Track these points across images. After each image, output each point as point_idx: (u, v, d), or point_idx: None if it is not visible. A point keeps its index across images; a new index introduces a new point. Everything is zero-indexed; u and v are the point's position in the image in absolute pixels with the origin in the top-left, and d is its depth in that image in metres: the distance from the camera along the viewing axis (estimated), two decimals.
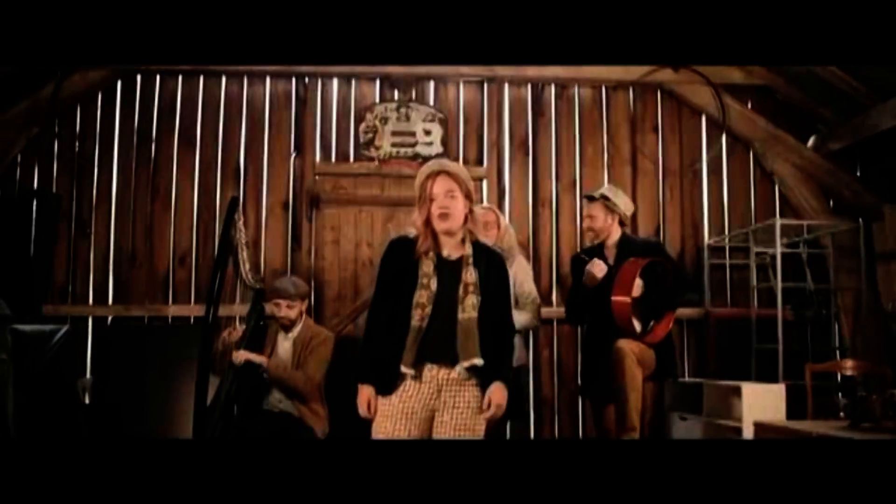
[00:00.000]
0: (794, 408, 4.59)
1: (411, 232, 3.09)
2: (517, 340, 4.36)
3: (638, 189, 5.77)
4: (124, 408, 4.73)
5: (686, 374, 5.59)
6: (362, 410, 2.90)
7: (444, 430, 2.87)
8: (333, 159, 5.64)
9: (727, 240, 5.72)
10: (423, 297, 2.87)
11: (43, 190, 5.44)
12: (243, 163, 5.60)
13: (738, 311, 5.61)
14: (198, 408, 3.89)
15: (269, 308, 4.48)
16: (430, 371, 2.88)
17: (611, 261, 4.37)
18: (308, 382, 4.22)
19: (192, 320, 5.36)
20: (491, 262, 2.99)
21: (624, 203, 4.45)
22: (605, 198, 4.43)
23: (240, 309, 4.40)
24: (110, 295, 5.45)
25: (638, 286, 4.21)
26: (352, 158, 5.64)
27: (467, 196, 2.97)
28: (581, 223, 4.83)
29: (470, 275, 2.90)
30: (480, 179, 5.69)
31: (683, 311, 5.51)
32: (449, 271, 2.92)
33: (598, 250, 4.47)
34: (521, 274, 4.42)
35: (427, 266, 2.91)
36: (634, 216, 5.69)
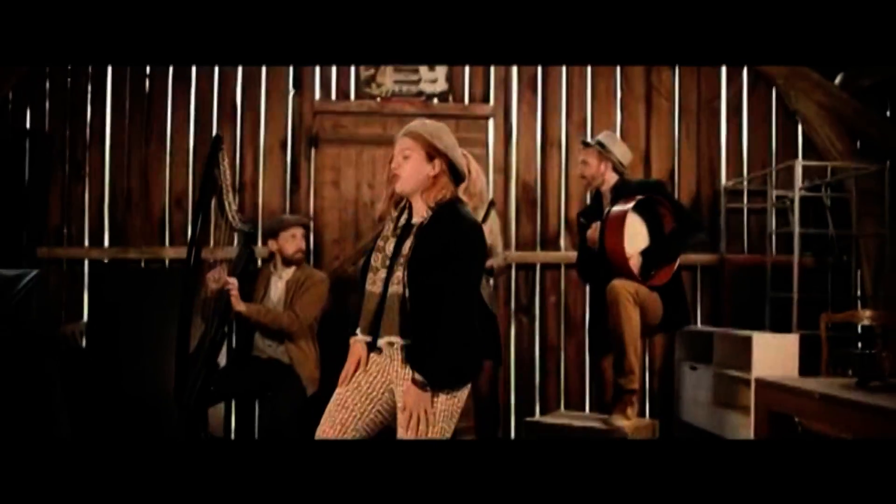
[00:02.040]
0: (809, 360, 4.39)
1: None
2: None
3: (652, 128, 5.50)
4: (119, 352, 4.67)
5: (698, 323, 5.39)
6: (349, 362, 2.72)
7: (400, 406, 2.64)
8: (333, 97, 5.42)
9: (745, 183, 5.45)
10: (377, 259, 2.69)
11: (36, 130, 5.30)
12: (240, 100, 5.39)
13: (755, 257, 5.37)
14: (179, 357, 3.77)
15: (279, 244, 4.33)
16: (388, 343, 2.66)
17: (606, 207, 4.17)
18: (295, 321, 4.09)
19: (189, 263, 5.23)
20: (447, 231, 2.57)
21: (621, 151, 4.23)
22: (600, 144, 4.22)
23: (226, 252, 4.23)
24: (106, 237, 5.33)
25: (636, 227, 4.00)
26: (352, 96, 5.42)
27: (433, 155, 2.65)
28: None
29: (407, 246, 2.62)
30: (486, 118, 5.45)
31: (697, 257, 5.29)
32: (405, 237, 2.67)
33: (596, 202, 4.29)
34: (495, 227, 4.24)
35: (387, 228, 2.73)
36: (647, 157, 5.47)
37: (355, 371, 2.72)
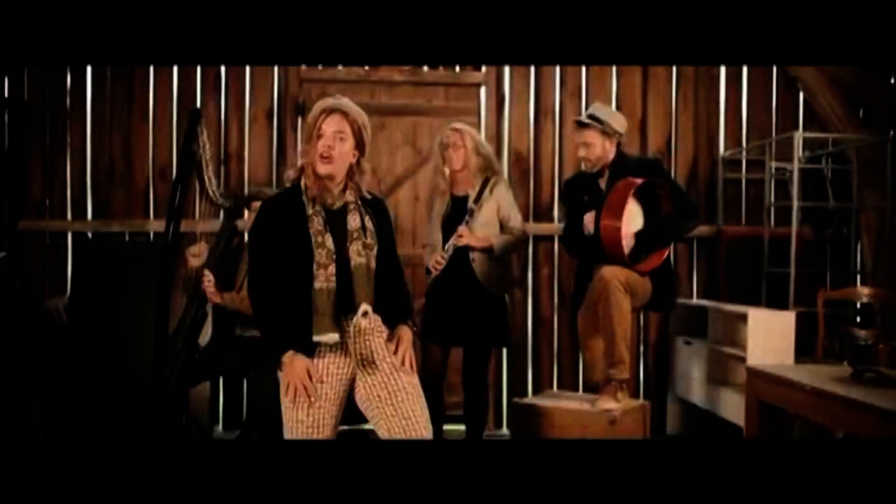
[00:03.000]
0: (805, 338, 4.29)
1: (289, 175, 2.80)
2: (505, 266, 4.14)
3: (649, 96, 5.34)
4: (101, 328, 4.58)
5: (693, 296, 5.29)
6: (300, 381, 2.62)
7: (371, 384, 2.67)
8: (320, 65, 5.26)
9: (744, 153, 5.31)
10: (321, 255, 2.62)
11: (14, 98, 5.15)
12: (224, 68, 5.23)
13: (752, 230, 5.25)
14: (158, 337, 3.68)
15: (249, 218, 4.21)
16: (347, 332, 2.66)
17: (603, 185, 4.01)
18: None
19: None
20: (377, 208, 2.79)
21: (618, 121, 4.01)
22: (597, 120, 3.97)
23: (209, 225, 4.12)
24: (89, 210, 5.21)
25: (633, 212, 3.87)
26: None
27: (359, 143, 2.71)
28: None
29: (355, 220, 2.69)
30: (478, 86, 5.30)
31: (694, 230, 5.15)
32: (337, 222, 2.68)
33: (590, 174, 4.10)
34: (504, 197, 4.09)
35: (318, 223, 2.65)
36: (643, 126, 5.32)
37: (309, 374, 2.63)
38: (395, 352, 2.69)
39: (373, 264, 2.68)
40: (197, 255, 3.93)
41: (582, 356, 4.15)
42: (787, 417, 3.29)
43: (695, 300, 5.16)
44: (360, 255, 2.65)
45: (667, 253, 3.99)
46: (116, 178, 5.19)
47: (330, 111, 2.68)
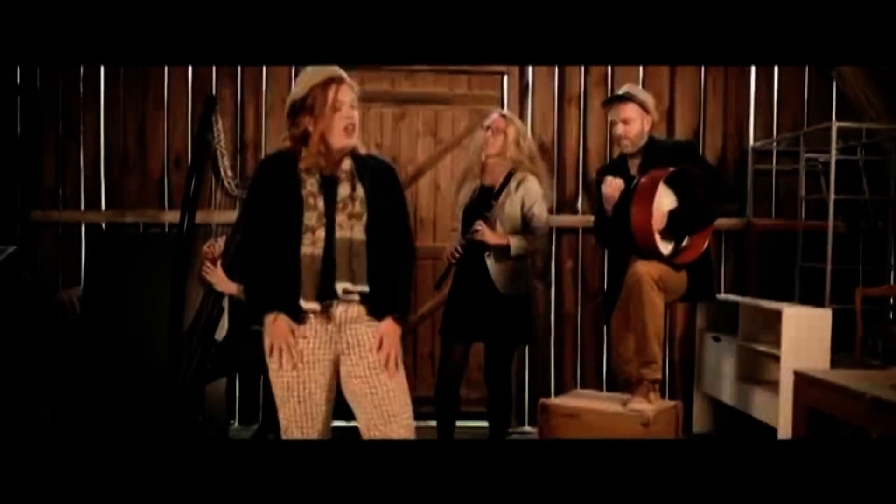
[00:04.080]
0: (842, 336, 4.15)
1: (285, 139, 2.68)
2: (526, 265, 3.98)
3: (677, 84, 5.17)
4: (115, 321, 4.48)
5: (722, 290, 5.14)
6: (282, 340, 2.54)
7: (353, 374, 2.59)
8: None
9: (775, 143, 5.15)
10: (311, 218, 2.54)
11: (26, 85, 5.03)
12: None
13: (784, 223, 5.09)
14: (173, 333, 3.55)
15: None
16: (335, 306, 2.58)
17: (634, 171, 3.85)
18: None
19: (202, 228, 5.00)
20: (377, 176, 2.65)
21: (651, 101, 3.87)
22: (630, 98, 3.84)
23: (226, 216, 4.00)
24: (103, 200, 5.09)
25: (665, 198, 3.72)
26: None
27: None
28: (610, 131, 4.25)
29: (345, 188, 2.58)
30: (501, 74, 5.15)
31: (722, 222, 4.98)
32: (330, 188, 2.59)
33: (621, 161, 3.93)
34: (532, 194, 3.89)
35: (311, 184, 2.56)
36: (671, 115, 5.18)
37: (293, 333, 2.56)
38: (379, 349, 2.58)
39: (359, 236, 2.56)
40: (212, 251, 3.80)
41: (613, 353, 4.03)
42: (838, 424, 3.15)
43: (723, 295, 5.01)
44: (344, 226, 2.55)
45: (704, 246, 3.83)
46: (130, 167, 5.07)
47: (340, 81, 2.58)
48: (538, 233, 3.90)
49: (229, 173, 3.84)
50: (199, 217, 3.82)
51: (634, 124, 3.79)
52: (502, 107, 5.11)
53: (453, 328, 3.96)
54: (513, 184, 3.86)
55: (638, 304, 3.60)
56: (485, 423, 4.06)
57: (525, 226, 3.88)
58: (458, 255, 3.88)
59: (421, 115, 5.15)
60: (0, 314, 2.98)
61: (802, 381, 2.98)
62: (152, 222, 5.05)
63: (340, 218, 2.56)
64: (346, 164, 2.61)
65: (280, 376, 2.59)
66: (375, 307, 2.61)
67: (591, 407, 3.59)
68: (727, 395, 4.62)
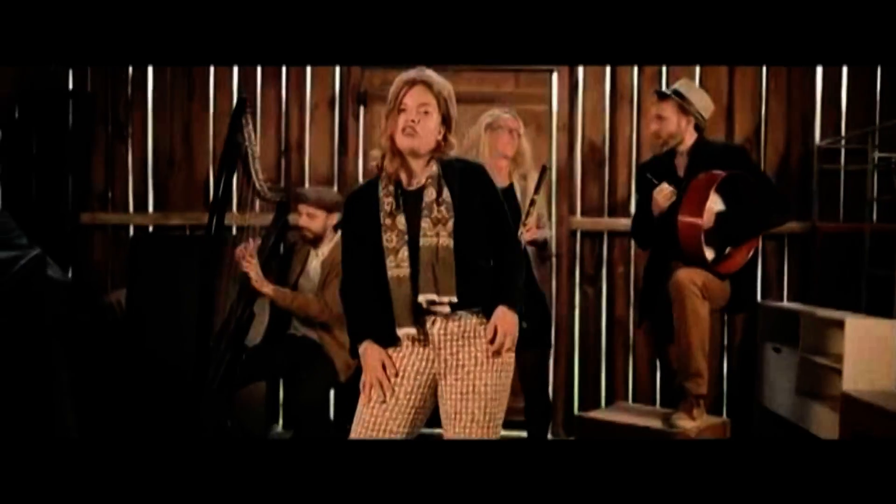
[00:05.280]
0: None
1: (374, 155, 2.55)
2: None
3: (736, 79, 4.90)
4: (157, 324, 4.47)
5: (784, 298, 4.85)
6: (375, 374, 2.45)
7: (452, 394, 2.44)
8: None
9: (843, 142, 4.83)
10: (391, 240, 2.43)
11: (78, 90, 5.10)
12: None
13: (851, 226, 4.75)
14: (201, 336, 3.50)
15: (293, 219, 4.03)
16: (430, 325, 2.45)
17: (681, 172, 3.66)
18: (325, 310, 3.75)
19: (233, 231, 4.99)
20: (466, 178, 2.50)
21: (702, 103, 3.68)
22: (678, 95, 3.67)
23: (258, 218, 3.95)
24: (150, 202, 5.12)
25: (713, 205, 3.51)
26: None
27: (445, 119, 2.48)
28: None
29: (430, 194, 2.45)
30: (549, 71, 4.97)
31: (785, 225, 4.69)
32: (412, 201, 2.47)
33: (667, 159, 3.75)
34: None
35: (388, 204, 2.46)
36: (730, 112, 4.91)
37: (383, 365, 2.46)
38: (492, 340, 2.40)
39: (447, 242, 2.41)
40: (243, 256, 3.74)
41: (659, 363, 3.84)
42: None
43: (785, 303, 4.73)
44: (429, 233, 2.41)
45: (751, 253, 3.61)
46: (176, 169, 5.07)
47: (413, 83, 2.48)
48: (547, 226, 3.91)
49: (261, 176, 3.79)
50: (233, 220, 3.80)
51: (668, 123, 3.66)
52: (550, 106, 4.95)
53: None
54: (541, 183, 3.74)
55: (681, 313, 3.41)
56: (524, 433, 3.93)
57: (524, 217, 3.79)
58: None
59: (467, 115, 4.95)
60: (19, 318, 2.95)
61: (851, 404, 2.73)
62: (197, 224, 5.03)
63: (425, 224, 2.44)
64: (433, 169, 2.49)
65: (366, 409, 2.48)
66: (487, 302, 2.45)
67: (627, 422, 3.40)
68: (786, 409, 4.35)
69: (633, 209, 4.89)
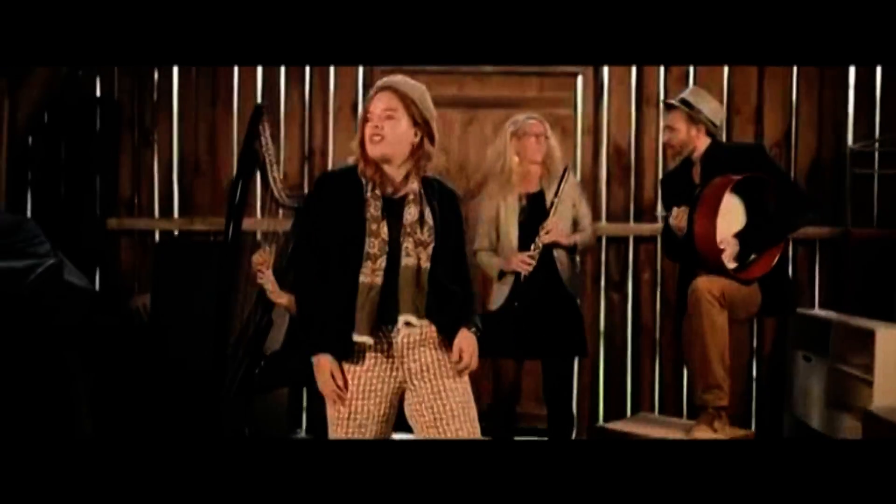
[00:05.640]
0: None
1: (350, 160, 2.55)
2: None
3: (766, 79, 4.80)
4: (177, 328, 4.50)
5: (816, 306, 4.73)
6: (327, 387, 2.46)
7: (417, 402, 2.45)
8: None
9: (877, 144, 4.70)
10: (374, 245, 2.39)
11: (105, 96, 5.14)
12: None
13: (886, 232, 4.64)
14: (218, 343, 3.50)
15: None
16: (392, 335, 2.43)
17: (697, 179, 3.60)
18: None
19: (257, 236, 5.00)
20: (445, 203, 2.51)
21: (711, 109, 3.63)
22: (686, 104, 3.62)
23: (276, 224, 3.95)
24: (175, 207, 5.15)
25: (732, 209, 3.44)
26: None
27: (418, 123, 2.44)
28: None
29: (412, 212, 2.42)
30: (574, 74, 4.90)
31: (817, 231, 4.59)
32: (394, 212, 2.44)
33: (683, 169, 3.71)
34: (577, 193, 3.84)
35: (374, 208, 2.42)
36: (759, 114, 4.80)
37: (333, 378, 2.45)
38: (458, 361, 2.43)
39: (425, 264, 2.41)
40: (263, 261, 3.73)
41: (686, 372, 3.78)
42: None
43: (816, 310, 4.61)
44: (411, 253, 2.39)
45: (777, 257, 3.52)
46: (201, 174, 5.09)
47: (378, 90, 2.46)
48: (589, 230, 3.82)
49: (279, 183, 3.78)
50: (251, 226, 3.79)
51: (677, 133, 3.63)
52: (575, 110, 4.89)
53: (510, 345, 3.77)
54: (562, 184, 3.68)
55: (698, 322, 3.35)
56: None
57: (575, 224, 3.79)
58: (532, 264, 3.67)
59: (490, 120, 4.95)
60: (34, 327, 2.98)
61: (874, 422, 2.63)
62: (221, 230, 5.04)
63: (408, 244, 2.41)
64: (414, 185, 2.47)
65: (339, 428, 2.50)
66: (447, 323, 2.46)
67: (646, 434, 3.33)
68: (816, 420, 4.24)
69: (659, 216, 4.84)
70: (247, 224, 3.75)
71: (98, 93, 5.13)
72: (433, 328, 2.45)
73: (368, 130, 2.42)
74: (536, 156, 3.73)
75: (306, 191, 4.71)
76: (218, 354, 3.52)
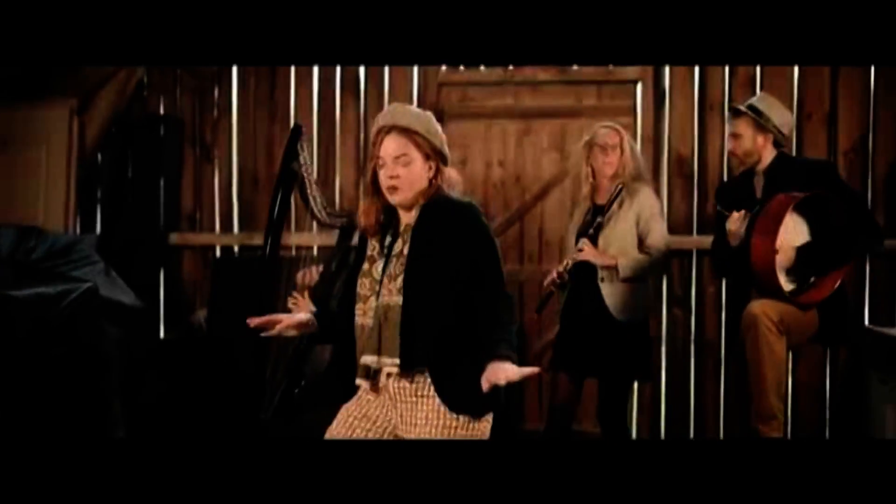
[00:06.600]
0: None
1: None
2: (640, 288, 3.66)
3: (840, 84, 4.51)
4: (231, 343, 4.54)
5: (895, 323, 4.42)
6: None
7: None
8: (460, 66, 4.90)
9: None
10: (363, 286, 2.33)
11: (168, 114, 5.25)
12: (363, 73, 5.03)
13: None
14: (257, 363, 3.51)
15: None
16: (384, 379, 2.31)
17: (759, 193, 3.39)
18: None
19: (314, 250, 5.01)
20: (444, 219, 2.26)
21: (780, 117, 3.42)
22: (754, 111, 3.41)
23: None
24: (235, 222, 5.21)
25: (794, 229, 3.23)
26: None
27: (430, 155, 2.30)
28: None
29: (398, 246, 2.31)
30: (634, 82, 4.73)
31: (890, 242, 4.26)
32: (395, 249, 2.33)
33: (745, 180, 3.51)
34: (647, 208, 3.62)
35: (372, 248, 2.35)
36: (832, 120, 4.52)
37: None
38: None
39: (394, 300, 2.24)
40: (307, 278, 3.73)
41: None
42: None
43: (894, 330, 4.30)
44: (384, 290, 2.28)
45: (838, 282, 3.30)
46: (259, 189, 5.14)
47: (387, 131, 2.32)
48: (653, 251, 3.58)
49: (318, 201, 3.77)
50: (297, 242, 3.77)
51: (743, 141, 3.44)
52: (635, 118, 4.72)
53: (563, 361, 3.70)
54: (624, 198, 3.56)
55: (754, 349, 3.16)
56: None
57: (640, 244, 3.59)
58: (560, 281, 3.64)
59: (547, 130, 4.83)
60: (70, 350, 3.04)
61: None
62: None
63: (385, 281, 2.30)
64: (414, 214, 2.32)
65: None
66: (438, 372, 2.22)
67: None
68: None
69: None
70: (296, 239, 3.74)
71: (162, 110, 5.25)
72: (425, 379, 2.24)
73: (384, 179, 2.27)
74: (605, 169, 3.62)
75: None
76: (258, 374, 3.54)
